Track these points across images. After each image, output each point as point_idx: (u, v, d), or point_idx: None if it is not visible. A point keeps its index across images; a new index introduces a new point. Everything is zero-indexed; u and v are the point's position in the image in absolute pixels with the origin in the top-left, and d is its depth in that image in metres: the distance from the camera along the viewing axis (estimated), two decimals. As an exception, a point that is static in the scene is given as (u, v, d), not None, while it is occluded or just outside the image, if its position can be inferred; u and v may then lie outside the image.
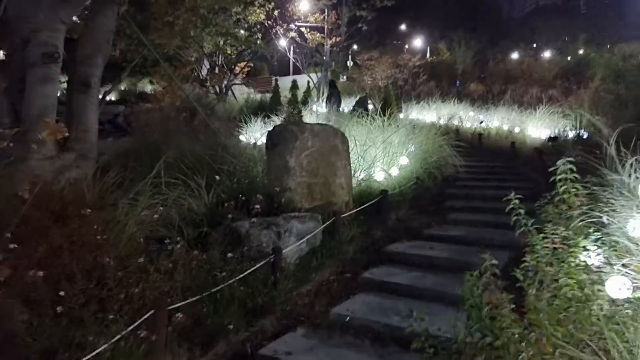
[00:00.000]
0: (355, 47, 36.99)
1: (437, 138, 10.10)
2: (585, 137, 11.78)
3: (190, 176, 6.39)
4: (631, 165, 6.27)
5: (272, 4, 24.88)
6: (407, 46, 47.50)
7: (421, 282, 5.16)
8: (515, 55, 39.17)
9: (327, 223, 5.92)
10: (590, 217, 4.65)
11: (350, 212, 6.39)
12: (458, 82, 25.29)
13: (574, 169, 5.61)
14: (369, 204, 6.79)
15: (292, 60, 34.05)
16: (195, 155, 7.44)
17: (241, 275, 4.47)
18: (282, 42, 30.03)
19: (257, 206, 5.68)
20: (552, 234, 4.37)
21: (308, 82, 25.12)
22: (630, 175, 5.91)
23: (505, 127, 14.21)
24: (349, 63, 42.66)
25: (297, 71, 35.50)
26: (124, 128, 18.27)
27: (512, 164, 11.69)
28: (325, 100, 17.84)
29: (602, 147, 7.03)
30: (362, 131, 8.86)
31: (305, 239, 5.49)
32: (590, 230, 4.19)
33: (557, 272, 3.98)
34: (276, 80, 39.07)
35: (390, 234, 6.72)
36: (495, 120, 15.02)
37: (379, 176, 7.85)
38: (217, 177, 6.32)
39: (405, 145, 8.92)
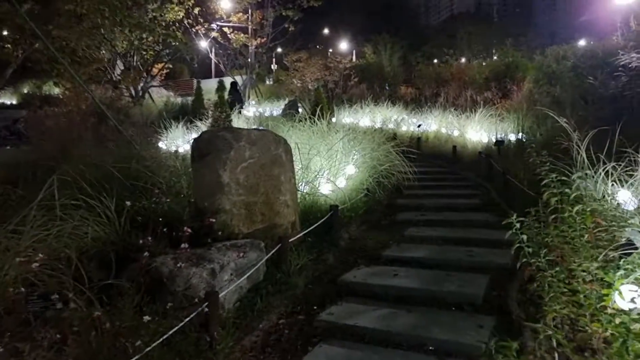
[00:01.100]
0: (279, 50, 36.01)
1: (382, 144, 9.27)
2: (524, 140, 11.49)
3: (96, 196, 5.03)
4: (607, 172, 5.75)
5: (192, 1, 23.35)
6: (330, 50, 47.16)
7: (393, 325, 4.17)
8: (436, 60, 39.96)
9: (272, 252, 4.81)
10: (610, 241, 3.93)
11: (298, 236, 5.31)
12: (387, 85, 24.99)
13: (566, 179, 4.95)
14: (318, 223, 5.74)
15: (214, 62, 32.37)
16: (102, 170, 6.04)
17: (163, 338, 3.25)
18: (204, 43, 28.42)
19: (184, 233, 4.47)
20: (581, 270, 3.56)
21: (231, 84, 23.68)
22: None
23: (444, 131, 13.76)
24: (274, 66, 41.61)
25: (220, 74, 33.88)
26: (25, 135, 16.07)
27: (456, 169, 11.16)
28: (229, 102, 16.79)
29: (570, 151, 6.51)
30: (303, 137, 7.82)
31: (246, 276, 4.34)
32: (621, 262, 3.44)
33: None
34: (198, 82, 37.25)
35: (345, 257, 5.70)
36: (433, 124, 14.56)
37: (325, 188, 6.84)
38: (130, 199, 4.98)
39: (351, 153, 7.99)
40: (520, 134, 11.58)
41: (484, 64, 18.92)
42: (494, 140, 11.28)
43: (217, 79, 32.09)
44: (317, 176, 6.86)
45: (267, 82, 32.52)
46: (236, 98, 18.28)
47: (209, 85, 33.85)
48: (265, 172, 5.33)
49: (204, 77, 38.91)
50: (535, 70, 13.86)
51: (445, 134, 13.54)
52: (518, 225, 4.03)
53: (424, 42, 57.11)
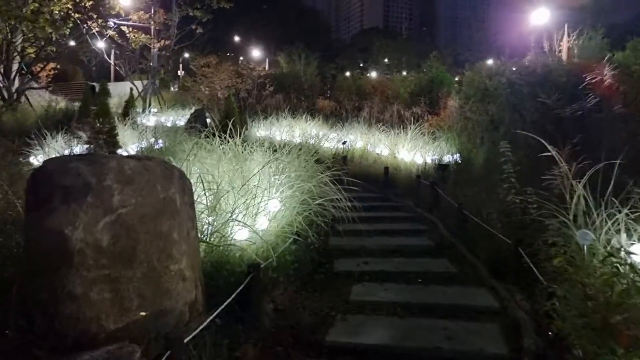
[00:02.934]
0: (187, 55, 33.38)
1: (312, 165, 7.57)
2: (460, 161, 10.38)
3: None
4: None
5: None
6: (241, 57, 45.32)
7: None
8: (348, 73, 39.45)
9: (155, 368, 2.86)
10: None
11: (200, 327, 3.37)
12: (304, 97, 23.50)
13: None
14: (230, 298, 3.85)
15: (112, 64, 29.05)
16: None
17: None
18: (101, 44, 25.27)
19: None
20: None
21: (131, 89, 20.96)
22: None
23: (371, 149, 12.37)
24: (180, 72, 38.74)
25: (120, 78, 30.57)
26: None
27: (391, 196, 9.73)
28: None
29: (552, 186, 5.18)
30: (210, 162, 5.88)
31: None
32: None
33: None
34: (87, 85, 33.56)
35: (271, 348, 3.87)
36: (358, 141, 13.14)
37: (240, 235, 4.95)
38: None
39: (273, 180, 6.17)
40: (457, 155, 10.45)
41: (410, 78, 18.06)
42: (433, 162, 10.04)
43: (117, 83, 28.94)
44: (230, 219, 4.96)
45: (173, 89, 29.77)
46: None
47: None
48: (147, 228, 3.36)
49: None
50: (466, 86, 12.99)
51: (374, 153, 12.15)
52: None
53: (336, 54, 56.91)
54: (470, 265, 5.71)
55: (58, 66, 35.32)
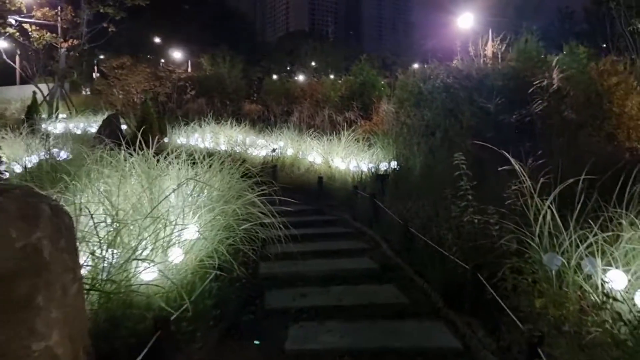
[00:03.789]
0: (102, 56, 31.07)
1: (236, 179, 6.64)
2: (398, 169, 9.83)
3: None
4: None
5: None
6: (162, 60, 43.34)
7: None
8: (275, 76, 38.67)
9: None
10: None
11: None
12: (229, 100, 22.36)
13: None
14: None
15: (17, 66, 26.31)
16: None
17: None
18: (1, 43, 22.74)
19: None
20: None
21: (34, 93, 18.87)
22: None
23: (303, 157, 11.57)
24: (96, 74, 36.13)
25: (26, 81, 27.82)
26: None
27: (326, 208, 8.98)
28: None
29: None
30: (111, 182, 4.82)
31: None
32: None
33: None
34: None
35: None
36: (289, 148, 12.30)
37: (147, 276, 3.95)
38: None
39: (191, 202, 5.18)
40: (394, 163, 9.89)
41: (339, 81, 17.46)
42: (369, 171, 9.40)
43: (21, 87, 26.37)
44: (133, 256, 3.95)
45: (85, 92, 27.48)
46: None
47: (11, 95, 27.71)
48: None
49: (8, 83, 31.99)
50: (400, 90, 12.54)
51: (306, 161, 11.36)
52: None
53: (262, 57, 55.84)
54: (422, 292, 5.04)
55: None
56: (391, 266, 5.76)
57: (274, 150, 11.64)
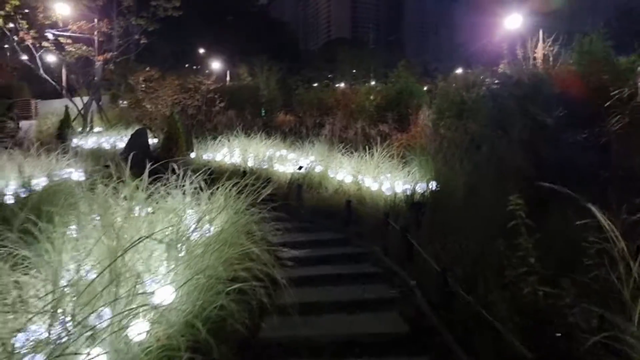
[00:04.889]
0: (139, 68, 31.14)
1: (242, 210, 5.70)
2: (436, 190, 8.61)
3: None
4: None
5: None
6: (207, 70, 43.43)
7: None
8: (316, 84, 37.84)
9: None
10: None
11: None
12: (263, 112, 21.58)
13: None
14: None
15: (65, 79, 26.54)
16: None
17: None
18: (52, 57, 23.00)
19: None
20: None
21: (66, 107, 18.69)
22: None
23: (332, 175, 10.50)
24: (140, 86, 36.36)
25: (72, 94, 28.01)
26: None
27: (354, 237, 7.86)
28: None
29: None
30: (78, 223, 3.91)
31: None
32: None
33: None
34: (35, 103, 31.02)
35: None
36: (317, 164, 11.26)
37: (95, 361, 2.98)
38: None
39: (181, 238, 4.20)
40: (432, 183, 8.68)
41: (378, 88, 16.31)
42: (404, 194, 8.25)
43: (61, 100, 26.45)
44: (80, 335, 2.99)
45: (122, 104, 27.42)
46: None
47: (54, 107, 27.96)
48: None
49: (54, 97, 32.56)
50: (440, 99, 11.31)
51: (335, 180, 10.29)
52: None
53: (303, 65, 55.30)
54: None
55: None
56: (426, 328, 4.58)
57: (299, 168, 10.63)
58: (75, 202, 4.63)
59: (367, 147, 10.83)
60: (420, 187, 8.66)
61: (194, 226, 4.63)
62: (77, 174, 9.27)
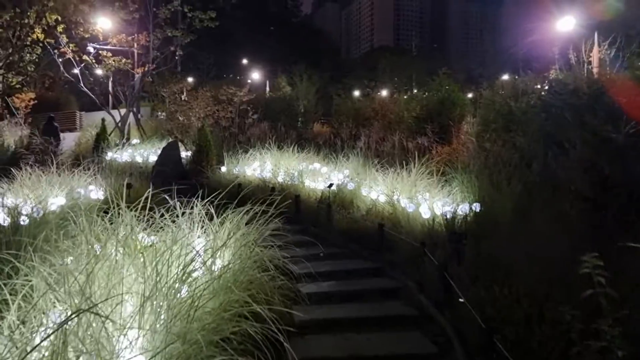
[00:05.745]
0: (190, 79, 31.33)
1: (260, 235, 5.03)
2: (480, 212, 7.66)
3: None
4: None
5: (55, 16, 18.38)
6: (246, 80, 43.49)
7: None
8: (357, 92, 37.14)
9: None
10: None
11: None
12: (300, 122, 20.95)
13: None
14: None
15: (111, 91, 26.97)
16: None
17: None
18: (99, 71, 23.33)
19: None
20: None
21: (103, 120, 18.68)
22: None
23: (366, 193, 9.67)
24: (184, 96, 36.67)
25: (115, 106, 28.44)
26: None
27: (387, 267, 7.03)
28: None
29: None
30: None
31: None
32: None
33: None
34: (51, 117, 31.59)
35: None
36: (350, 181, 10.46)
37: None
38: None
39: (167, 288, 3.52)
40: (476, 205, 7.74)
41: (418, 97, 15.35)
42: (444, 217, 7.34)
43: (100, 112, 26.82)
44: None
45: (161, 116, 27.55)
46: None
47: (95, 119, 28.42)
48: None
49: (98, 109, 33.28)
50: (485, 109, 10.31)
51: (369, 199, 9.45)
52: None
53: (344, 74, 54.72)
54: None
55: (49, 93, 33.51)
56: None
57: (330, 185, 9.87)
58: (57, 237, 4.04)
59: (404, 162, 9.95)
60: (462, 210, 7.73)
61: (191, 266, 3.95)
62: (95, 193, 8.84)
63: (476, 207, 7.71)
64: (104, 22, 20.97)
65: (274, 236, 5.44)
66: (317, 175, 12.01)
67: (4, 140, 15.64)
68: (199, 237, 5.22)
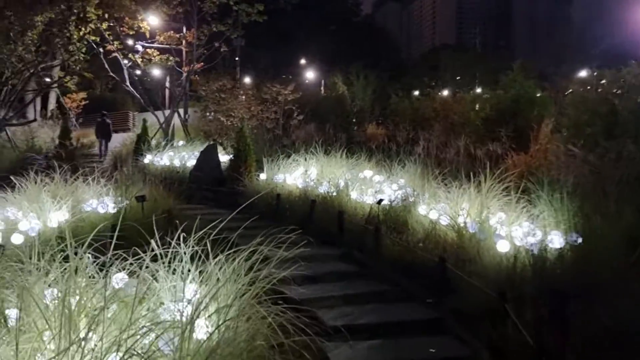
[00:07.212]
0: (248, 79, 30.57)
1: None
2: (579, 246, 5.73)
3: None
4: None
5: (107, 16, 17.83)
6: (307, 80, 42.43)
7: None
8: (417, 92, 35.02)
9: None
10: None
11: None
12: (354, 121, 19.39)
13: None
14: None
15: (168, 90, 26.57)
16: None
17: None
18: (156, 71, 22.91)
19: None
20: None
21: (144, 121, 17.86)
22: None
23: (424, 212, 7.85)
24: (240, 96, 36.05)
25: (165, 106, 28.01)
26: None
27: (451, 320, 5.28)
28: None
29: None
30: None
31: None
32: None
33: None
34: (133, 115, 31.56)
35: None
36: (405, 196, 8.68)
37: None
38: None
39: None
40: (573, 235, 5.83)
41: (485, 95, 13.30)
42: (528, 252, 5.48)
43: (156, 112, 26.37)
44: None
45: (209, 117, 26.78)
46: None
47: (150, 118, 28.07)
48: None
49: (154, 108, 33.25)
50: (574, 109, 8.24)
51: (428, 219, 7.63)
52: None
53: (404, 73, 52.46)
54: None
55: (108, 94, 33.70)
56: None
57: (380, 201, 8.16)
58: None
59: (471, 174, 8.01)
60: (553, 241, 5.82)
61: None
62: (102, 206, 7.59)
63: (572, 238, 5.80)
64: (151, 19, 20.28)
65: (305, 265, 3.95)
66: (367, 186, 10.29)
67: (34, 142, 15.01)
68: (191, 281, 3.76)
